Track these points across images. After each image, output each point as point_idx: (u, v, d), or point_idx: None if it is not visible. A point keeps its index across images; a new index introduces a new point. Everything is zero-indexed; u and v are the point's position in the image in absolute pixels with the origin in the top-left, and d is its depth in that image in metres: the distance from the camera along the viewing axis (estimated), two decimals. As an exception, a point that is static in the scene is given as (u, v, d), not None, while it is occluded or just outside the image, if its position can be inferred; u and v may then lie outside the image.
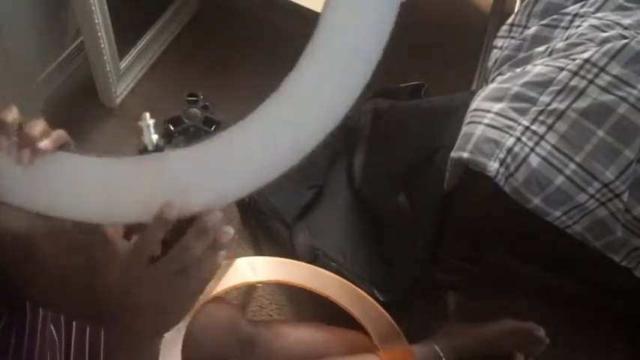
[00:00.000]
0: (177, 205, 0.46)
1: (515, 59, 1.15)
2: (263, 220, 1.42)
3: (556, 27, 1.13)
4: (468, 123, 1.05)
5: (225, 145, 0.47)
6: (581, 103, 0.97)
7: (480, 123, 1.02)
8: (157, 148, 0.50)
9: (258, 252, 1.41)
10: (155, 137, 0.49)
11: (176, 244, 0.46)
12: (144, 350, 0.52)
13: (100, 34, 1.48)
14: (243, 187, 0.48)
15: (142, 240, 0.46)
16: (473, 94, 1.17)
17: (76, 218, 0.49)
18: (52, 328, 0.77)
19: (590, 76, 0.98)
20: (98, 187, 0.48)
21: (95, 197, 0.49)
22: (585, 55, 0.99)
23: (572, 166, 0.96)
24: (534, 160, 0.97)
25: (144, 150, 0.50)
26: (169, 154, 0.47)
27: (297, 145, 0.48)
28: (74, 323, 0.81)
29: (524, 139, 0.99)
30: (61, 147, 0.50)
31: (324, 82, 0.48)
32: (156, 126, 0.50)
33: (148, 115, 0.49)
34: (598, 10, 1.10)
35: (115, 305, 0.49)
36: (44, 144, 0.47)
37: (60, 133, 0.49)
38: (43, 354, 0.70)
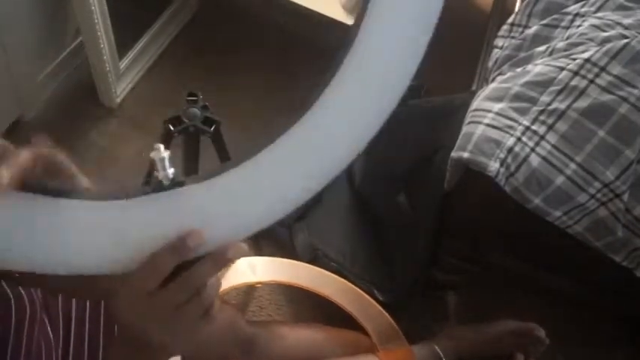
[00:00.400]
0: (203, 236, 0.43)
1: (516, 59, 1.15)
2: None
3: (557, 27, 1.13)
4: (469, 123, 1.05)
5: (245, 177, 0.44)
6: (582, 103, 0.97)
7: (480, 123, 1.02)
8: (175, 184, 0.43)
9: (258, 252, 1.41)
10: (172, 171, 0.42)
11: (184, 272, 0.44)
12: None
13: (99, 33, 1.48)
14: (262, 220, 0.47)
15: (152, 266, 0.43)
16: (473, 94, 1.16)
17: (83, 272, 0.44)
18: (46, 320, 0.77)
19: (590, 76, 0.97)
20: (106, 235, 0.43)
21: (104, 247, 0.43)
22: (586, 55, 0.99)
23: (573, 166, 0.96)
24: (535, 160, 0.97)
25: (158, 186, 0.42)
26: (186, 191, 0.43)
27: (317, 175, 0.47)
28: (73, 315, 0.80)
29: (524, 138, 0.99)
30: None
31: (352, 109, 0.46)
32: (171, 159, 0.42)
33: (162, 146, 0.42)
34: (599, 9, 1.09)
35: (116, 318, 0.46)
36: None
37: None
38: (39, 346, 0.70)
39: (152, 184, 0.43)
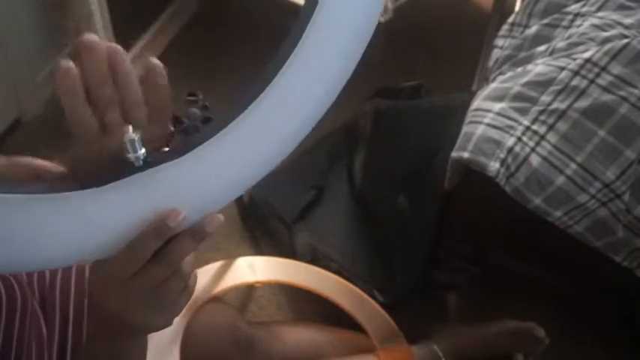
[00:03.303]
0: (185, 213, 0.43)
1: (516, 59, 1.15)
2: (263, 220, 1.42)
3: (557, 26, 1.13)
4: (469, 123, 1.05)
5: (216, 150, 0.44)
6: (582, 103, 0.97)
7: (480, 123, 1.02)
8: (147, 164, 0.42)
9: (258, 252, 1.41)
10: (142, 152, 0.41)
11: (165, 249, 0.43)
12: (122, 344, 0.51)
13: (99, 33, 1.48)
14: (236, 189, 0.46)
15: (133, 251, 0.43)
16: (473, 94, 1.16)
17: (63, 264, 0.44)
18: (41, 315, 0.77)
19: (591, 76, 0.97)
20: (82, 223, 0.42)
21: (81, 235, 0.42)
22: (586, 55, 0.99)
23: (573, 166, 0.96)
24: (535, 160, 0.97)
25: (131, 167, 0.41)
26: (159, 170, 0.42)
27: (286, 139, 0.47)
28: (71, 314, 0.80)
29: (524, 138, 0.99)
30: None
31: (308, 76, 0.46)
32: (142, 140, 0.41)
33: (130, 127, 0.41)
34: (599, 9, 1.09)
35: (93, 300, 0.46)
36: None
37: None
38: (30, 339, 0.70)
39: (124, 167, 0.41)
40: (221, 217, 0.45)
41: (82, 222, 0.41)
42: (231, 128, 0.44)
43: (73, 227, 0.41)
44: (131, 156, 0.41)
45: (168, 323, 0.47)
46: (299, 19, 0.45)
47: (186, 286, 0.46)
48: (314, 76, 0.46)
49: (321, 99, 0.47)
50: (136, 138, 0.40)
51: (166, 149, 0.45)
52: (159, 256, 0.43)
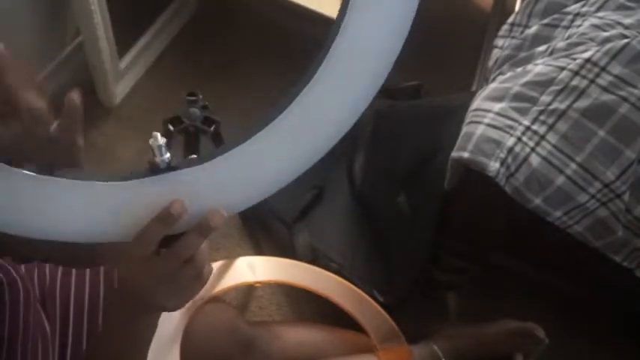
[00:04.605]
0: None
1: (516, 59, 1.15)
2: (263, 220, 1.42)
3: (557, 26, 1.13)
4: (469, 123, 1.05)
5: (232, 162, 0.50)
6: (582, 103, 0.97)
7: (480, 123, 1.02)
8: (170, 168, 0.49)
9: (258, 252, 1.41)
10: (167, 156, 0.49)
11: (177, 241, 0.50)
12: (137, 321, 0.57)
13: (99, 33, 1.48)
14: (251, 198, 0.53)
15: (145, 234, 0.49)
16: (473, 94, 1.16)
17: (89, 240, 0.51)
18: (42, 313, 0.77)
19: (591, 76, 0.97)
20: (110, 210, 0.49)
21: (108, 220, 0.50)
22: (586, 55, 0.99)
23: (573, 166, 0.96)
24: (535, 160, 0.97)
25: (156, 169, 0.49)
26: (182, 173, 0.49)
27: (303, 155, 0.52)
28: (71, 312, 0.81)
29: (524, 138, 0.99)
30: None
31: (337, 92, 0.49)
32: (167, 145, 0.49)
33: (158, 134, 0.48)
34: (599, 9, 1.09)
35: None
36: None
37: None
38: (35, 335, 0.71)
39: (150, 167, 0.49)
40: (224, 212, 0.51)
41: (112, 207, 0.49)
42: (249, 143, 0.50)
43: (103, 210, 0.49)
44: (157, 159, 0.48)
45: (180, 305, 0.54)
46: (329, 33, 0.48)
47: (199, 274, 0.53)
48: (340, 92, 0.49)
49: (344, 118, 0.51)
50: (163, 143, 0.48)
51: (194, 156, 0.51)
52: (173, 246, 0.50)
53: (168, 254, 0.51)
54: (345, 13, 0.46)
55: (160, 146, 0.48)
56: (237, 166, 0.50)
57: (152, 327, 0.60)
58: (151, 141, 0.48)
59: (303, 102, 0.49)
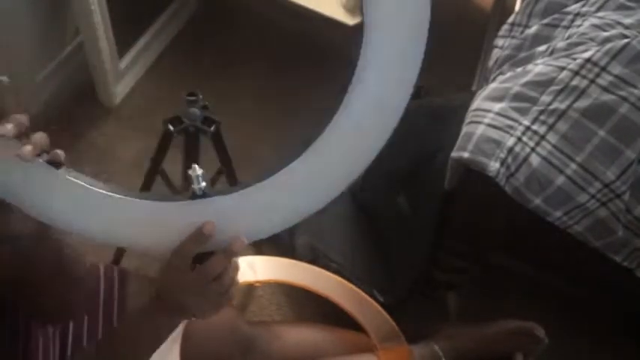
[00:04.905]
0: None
1: (516, 59, 1.15)
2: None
3: (557, 26, 1.13)
4: (469, 123, 1.05)
5: (262, 192, 0.57)
6: (582, 103, 0.97)
7: (480, 123, 1.02)
8: (204, 195, 0.57)
9: (258, 252, 1.41)
10: (203, 185, 0.56)
11: (206, 261, 0.59)
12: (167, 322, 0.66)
13: (99, 33, 1.48)
14: (274, 228, 0.60)
15: (182, 250, 0.58)
16: (473, 94, 1.16)
17: (132, 248, 0.61)
18: None
19: (591, 76, 0.97)
20: (155, 225, 0.58)
21: (151, 233, 0.59)
22: (586, 55, 0.99)
23: (573, 166, 0.96)
24: (535, 160, 0.97)
25: (193, 196, 0.57)
26: (213, 200, 0.57)
27: (324, 193, 0.58)
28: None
29: (524, 138, 0.98)
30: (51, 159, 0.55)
31: (355, 135, 0.55)
32: (204, 175, 0.57)
33: (197, 166, 0.56)
34: (599, 9, 1.09)
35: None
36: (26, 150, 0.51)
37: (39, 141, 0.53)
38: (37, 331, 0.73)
39: (190, 193, 0.58)
40: (244, 239, 0.59)
41: (157, 223, 0.59)
42: (265, 184, 0.56)
43: (156, 225, 0.59)
44: (195, 187, 0.57)
45: (209, 315, 0.64)
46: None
47: (225, 292, 0.62)
48: (354, 141, 0.55)
49: (355, 164, 0.57)
50: (200, 174, 0.56)
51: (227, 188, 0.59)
52: (203, 265, 0.59)
53: (199, 271, 0.59)
54: (360, 68, 0.51)
55: (197, 176, 0.56)
56: (254, 201, 0.58)
57: (174, 327, 0.68)
58: (190, 171, 0.56)
59: (317, 149, 0.54)
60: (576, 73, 0.99)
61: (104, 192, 0.56)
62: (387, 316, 1.15)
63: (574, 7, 1.13)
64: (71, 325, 0.83)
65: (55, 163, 0.54)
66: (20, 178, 0.54)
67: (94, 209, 0.57)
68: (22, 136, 0.52)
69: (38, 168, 0.53)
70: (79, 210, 0.57)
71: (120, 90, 1.69)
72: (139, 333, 0.67)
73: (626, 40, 0.98)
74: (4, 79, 0.54)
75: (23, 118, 0.52)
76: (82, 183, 0.55)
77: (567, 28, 1.11)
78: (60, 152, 0.55)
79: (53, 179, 0.55)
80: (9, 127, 0.50)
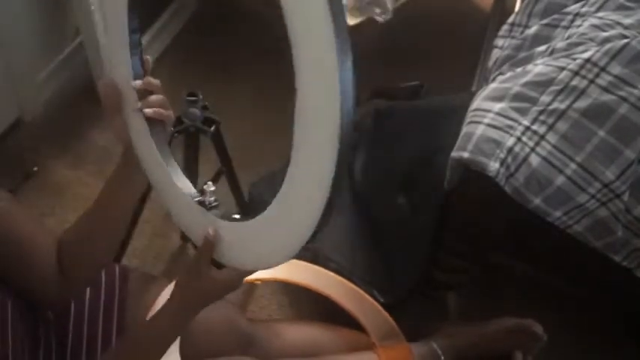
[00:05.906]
0: (216, 235, 0.64)
1: (516, 59, 1.15)
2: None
3: (557, 26, 1.13)
4: (469, 123, 1.05)
5: (240, 229, 0.62)
6: (582, 103, 0.97)
7: (480, 123, 1.02)
8: (212, 207, 0.65)
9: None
10: (213, 199, 0.65)
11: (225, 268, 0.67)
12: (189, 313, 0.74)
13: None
14: (280, 259, 0.62)
15: (198, 255, 0.67)
16: (473, 94, 1.16)
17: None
18: None
19: (590, 76, 0.97)
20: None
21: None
22: (586, 55, 0.99)
23: (573, 166, 0.96)
24: (535, 160, 0.97)
25: (202, 204, 0.65)
26: (228, 224, 0.63)
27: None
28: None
29: (524, 139, 0.99)
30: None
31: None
32: (214, 192, 0.65)
33: (211, 182, 0.65)
34: (599, 9, 1.09)
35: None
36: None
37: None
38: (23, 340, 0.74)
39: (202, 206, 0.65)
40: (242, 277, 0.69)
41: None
42: (251, 222, 0.61)
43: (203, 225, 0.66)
44: (206, 200, 0.65)
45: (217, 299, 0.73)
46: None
47: (232, 288, 0.70)
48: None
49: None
50: (212, 190, 0.65)
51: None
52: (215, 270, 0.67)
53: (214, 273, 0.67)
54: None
55: (210, 191, 0.65)
56: (246, 233, 0.62)
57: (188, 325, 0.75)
58: (204, 186, 0.65)
59: (281, 200, 0.60)
60: (576, 73, 0.99)
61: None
62: (387, 315, 1.15)
63: (574, 8, 1.13)
64: (72, 309, 0.85)
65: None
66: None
67: None
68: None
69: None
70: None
71: (120, 90, 1.69)
72: (163, 333, 0.73)
73: (625, 41, 0.98)
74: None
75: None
76: None
77: (567, 28, 1.11)
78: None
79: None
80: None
